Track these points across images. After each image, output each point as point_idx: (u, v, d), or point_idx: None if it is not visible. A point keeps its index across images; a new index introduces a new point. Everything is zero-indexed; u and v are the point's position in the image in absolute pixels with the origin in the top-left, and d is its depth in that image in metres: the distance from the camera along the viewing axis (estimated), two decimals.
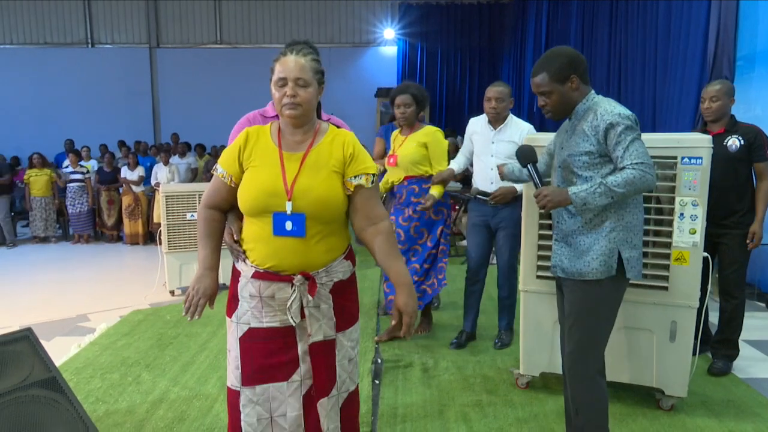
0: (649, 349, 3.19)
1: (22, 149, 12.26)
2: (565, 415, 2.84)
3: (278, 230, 2.01)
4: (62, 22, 14.37)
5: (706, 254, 3.11)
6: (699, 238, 3.04)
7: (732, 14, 5.54)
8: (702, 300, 3.20)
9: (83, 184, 9.51)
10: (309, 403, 2.13)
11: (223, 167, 2.12)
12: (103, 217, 9.57)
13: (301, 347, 2.11)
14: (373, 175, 2.12)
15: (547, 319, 3.35)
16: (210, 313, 2.19)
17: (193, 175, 10.00)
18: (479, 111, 4.25)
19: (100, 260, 8.27)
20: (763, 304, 5.34)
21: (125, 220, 9.26)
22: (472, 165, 4.27)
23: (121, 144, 11.70)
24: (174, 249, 5.92)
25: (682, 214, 3.05)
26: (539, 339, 3.42)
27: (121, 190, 9.44)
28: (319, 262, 2.07)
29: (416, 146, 4.19)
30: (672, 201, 3.07)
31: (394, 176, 4.34)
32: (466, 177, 4.34)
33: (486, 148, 4.06)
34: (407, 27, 14.07)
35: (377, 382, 3.72)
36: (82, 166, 9.68)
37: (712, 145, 3.00)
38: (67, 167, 9.68)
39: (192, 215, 5.89)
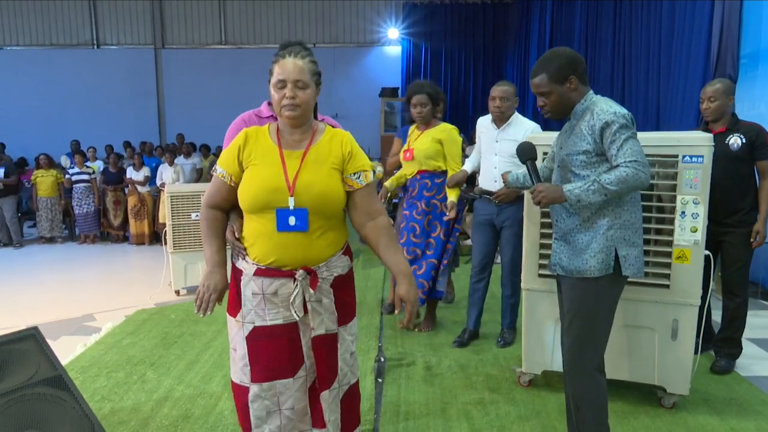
0: (651, 347, 3.20)
1: (28, 150, 12.33)
2: (566, 413, 2.85)
3: (282, 226, 2.06)
4: (68, 24, 14.44)
5: (707, 252, 3.12)
6: (700, 236, 3.05)
7: (736, 13, 5.53)
8: (704, 298, 3.20)
9: (89, 184, 9.56)
10: (314, 395, 2.21)
11: (222, 167, 2.17)
12: (110, 218, 9.61)
13: (305, 343, 2.16)
14: (371, 172, 2.19)
15: (549, 317, 3.36)
16: (215, 312, 2.23)
17: (198, 176, 10.04)
18: (483, 110, 4.28)
19: (106, 260, 8.32)
20: (766, 303, 5.34)
21: (131, 221, 9.31)
22: None
23: (127, 145, 11.75)
24: (179, 249, 5.95)
25: (683, 213, 3.06)
26: (541, 337, 3.43)
27: (126, 190, 9.48)
28: (319, 257, 2.13)
29: (431, 141, 4.30)
30: (673, 199, 3.07)
31: (407, 170, 4.46)
32: (469, 176, 4.37)
33: (490, 147, 4.08)
34: (411, 27, 14.07)
35: (380, 380, 3.74)
36: (88, 166, 9.73)
37: (712, 144, 3.01)
38: (72, 167, 9.72)
39: (197, 215, 5.92)
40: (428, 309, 4.71)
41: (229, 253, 2.23)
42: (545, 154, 3.18)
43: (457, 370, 3.87)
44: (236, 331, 2.19)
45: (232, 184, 2.16)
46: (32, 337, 2.61)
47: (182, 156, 10.17)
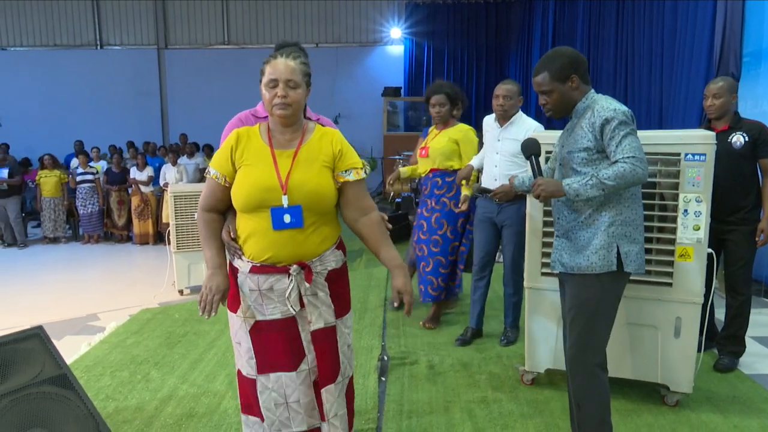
0: (654, 345, 3.20)
1: (32, 150, 12.36)
2: (569, 411, 2.86)
3: (277, 224, 2.12)
4: (71, 24, 14.47)
5: (710, 250, 3.12)
6: (703, 234, 3.05)
7: (738, 11, 5.52)
8: (707, 296, 3.20)
9: (93, 184, 9.58)
10: (317, 391, 2.26)
11: (215, 168, 2.22)
12: (114, 218, 9.63)
13: (305, 336, 2.22)
14: (361, 168, 2.25)
15: (552, 315, 3.37)
16: (219, 312, 2.27)
17: (201, 176, 10.05)
18: (486, 110, 4.31)
19: (110, 260, 8.34)
20: None
21: (134, 221, 9.33)
22: None
23: (130, 145, 11.77)
24: (182, 249, 5.97)
25: (686, 211, 3.06)
26: (544, 335, 3.44)
27: (130, 190, 9.50)
28: (313, 252, 2.18)
29: (447, 141, 4.37)
30: (676, 197, 3.08)
31: (422, 168, 4.55)
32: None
33: (492, 145, 4.08)
34: (414, 26, 14.06)
35: (383, 378, 3.75)
36: (91, 167, 9.75)
37: (715, 142, 3.01)
38: (76, 167, 9.74)
39: None
40: (435, 308, 4.74)
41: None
42: (548, 153, 3.19)
43: (460, 369, 3.87)
44: (239, 326, 2.26)
45: (226, 185, 2.20)
46: (37, 336, 2.63)
47: (185, 156, 10.19)
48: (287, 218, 2.11)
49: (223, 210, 2.28)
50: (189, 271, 6.01)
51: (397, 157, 10.85)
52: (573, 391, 2.69)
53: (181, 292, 6.05)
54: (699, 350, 3.23)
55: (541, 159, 2.92)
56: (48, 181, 9.57)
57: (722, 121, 3.71)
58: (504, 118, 4.03)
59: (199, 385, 3.72)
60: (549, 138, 3.21)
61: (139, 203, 9.25)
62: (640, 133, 2.91)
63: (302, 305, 2.19)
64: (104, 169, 10.00)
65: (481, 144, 4.38)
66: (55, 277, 7.33)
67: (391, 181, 4.68)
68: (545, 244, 3.34)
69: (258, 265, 2.17)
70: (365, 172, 2.26)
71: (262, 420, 2.28)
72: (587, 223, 2.57)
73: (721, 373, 3.72)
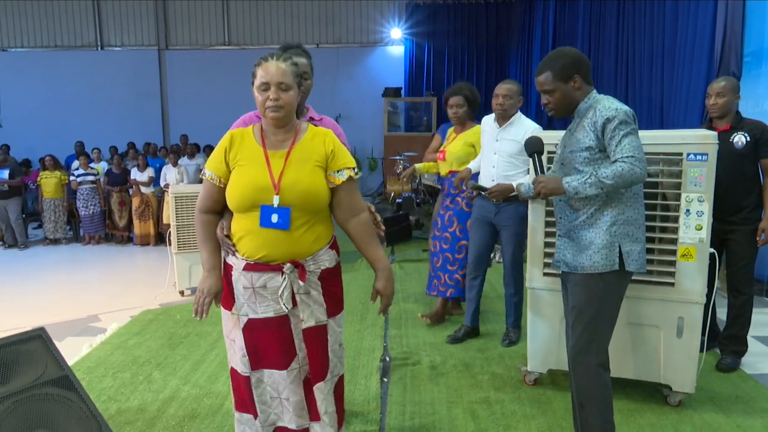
0: (656, 345, 3.20)
1: (33, 151, 12.37)
2: (572, 411, 2.85)
3: (265, 222, 2.15)
4: (72, 25, 14.47)
5: (712, 250, 3.12)
6: (705, 234, 3.05)
7: (739, 11, 5.52)
8: (709, 296, 3.20)
9: (94, 185, 9.58)
10: (309, 388, 2.29)
11: (210, 170, 2.27)
12: (114, 219, 9.63)
13: (297, 334, 2.25)
14: (354, 169, 2.28)
15: (555, 316, 3.36)
16: (219, 313, 2.30)
17: (200, 175, 10.03)
18: (487, 110, 4.31)
19: (111, 261, 8.34)
20: None
21: (135, 221, 9.32)
22: None
23: (131, 146, 11.78)
24: (183, 249, 5.97)
25: (688, 210, 3.06)
26: (546, 336, 3.43)
27: (131, 191, 9.50)
28: (306, 251, 2.21)
29: (463, 145, 4.46)
30: (678, 197, 3.08)
31: (442, 170, 4.65)
32: None
33: (490, 145, 4.08)
34: (414, 26, 14.06)
35: (385, 379, 3.75)
36: (92, 168, 9.75)
37: (717, 142, 3.01)
38: (77, 169, 9.74)
39: None
40: (440, 304, 4.78)
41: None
42: (551, 153, 3.19)
43: (463, 369, 3.87)
44: (233, 324, 2.30)
45: (221, 186, 2.25)
46: (39, 338, 2.62)
47: (186, 157, 10.20)
48: (275, 218, 2.14)
49: (219, 211, 2.32)
50: (190, 272, 6.01)
51: (397, 157, 10.84)
52: (575, 390, 2.69)
53: (182, 292, 6.05)
54: (701, 350, 3.22)
55: (544, 158, 2.92)
56: (49, 182, 9.57)
57: (724, 121, 3.70)
58: (503, 118, 4.03)
59: (202, 386, 3.72)
60: (552, 138, 3.21)
61: (139, 204, 9.24)
62: (643, 133, 2.91)
63: (295, 303, 2.22)
64: (105, 170, 10.01)
65: None
66: (55, 278, 7.34)
67: (406, 178, 4.83)
68: (547, 245, 3.33)
69: (252, 262, 2.20)
70: (356, 173, 2.30)
71: (255, 416, 2.31)
72: (589, 222, 2.58)
73: (724, 372, 3.72)
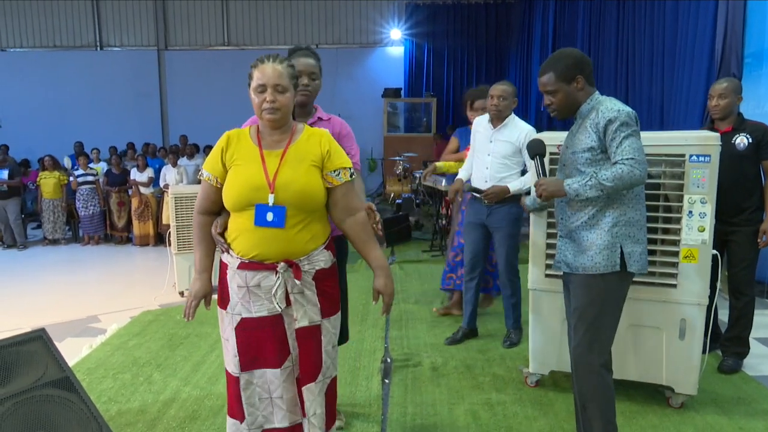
0: (659, 347, 3.19)
1: (32, 151, 12.34)
2: (575, 413, 2.85)
3: (260, 221, 2.17)
4: (71, 26, 14.46)
5: (715, 252, 3.11)
6: (708, 235, 3.04)
7: (740, 12, 5.50)
8: (711, 298, 3.20)
9: (94, 186, 9.56)
10: (298, 388, 2.30)
11: (208, 170, 2.29)
12: (113, 219, 9.61)
13: (290, 334, 2.26)
14: (350, 169, 2.29)
15: (556, 317, 3.35)
16: (220, 314, 2.30)
17: (197, 176, 10.02)
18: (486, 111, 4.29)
19: (110, 262, 8.32)
20: None
21: (135, 222, 9.30)
22: None
23: (130, 146, 11.77)
24: (183, 250, 5.95)
25: (690, 212, 3.05)
26: (548, 337, 3.42)
27: (130, 191, 9.48)
28: (301, 251, 2.22)
29: None
30: (680, 199, 3.07)
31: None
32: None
33: (484, 146, 4.08)
34: (414, 27, 14.07)
35: (387, 381, 3.74)
36: (91, 168, 9.73)
37: (720, 143, 3.00)
38: (75, 168, 9.73)
39: None
40: (458, 299, 4.90)
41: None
42: (552, 154, 3.19)
43: (464, 371, 3.86)
44: (227, 323, 2.31)
45: (218, 186, 2.28)
46: (39, 339, 2.61)
47: (185, 157, 10.18)
48: (270, 216, 2.15)
49: (217, 212, 2.36)
50: (189, 273, 5.99)
51: (397, 158, 10.84)
52: (578, 391, 2.69)
53: (181, 293, 6.03)
54: (703, 352, 3.22)
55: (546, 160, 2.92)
56: (48, 182, 9.55)
57: (726, 123, 3.70)
58: (498, 119, 4.03)
59: (202, 387, 3.71)
60: (554, 139, 3.20)
61: (139, 205, 9.22)
62: (645, 134, 2.90)
63: (288, 303, 2.23)
64: (104, 171, 9.99)
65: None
66: (55, 278, 7.32)
67: (426, 175, 4.98)
68: (549, 246, 3.32)
69: (246, 261, 2.22)
70: (352, 174, 2.31)
71: (241, 421, 2.30)
72: (591, 223, 2.58)
73: (726, 374, 3.71)
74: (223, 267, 2.30)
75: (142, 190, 9.27)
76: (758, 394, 3.46)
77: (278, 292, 2.19)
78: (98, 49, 14.58)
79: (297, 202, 2.17)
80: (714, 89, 3.70)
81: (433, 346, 4.30)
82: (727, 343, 3.84)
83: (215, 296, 2.35)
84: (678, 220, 3.09)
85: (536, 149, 2.80)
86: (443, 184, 6.26)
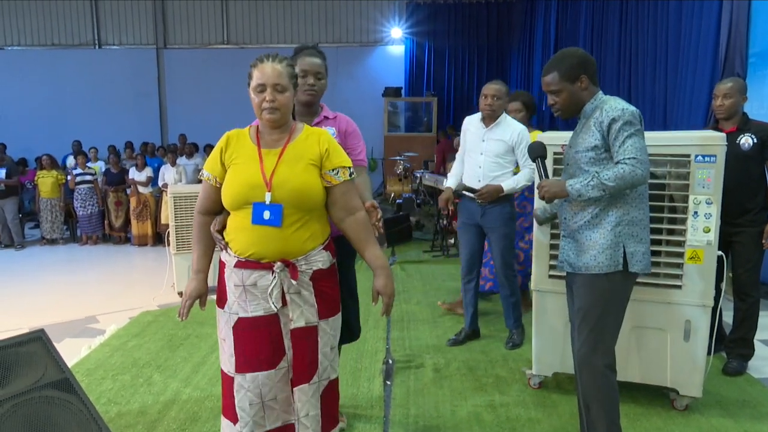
0: (663, 349, 3.17)
1: (30, 150, 12.29)
2: (578, 415, 2.82)
3: (257, 219, 2.17)
4: (70, 24, 14.41)
5: (720, 253, 3.08)
6: (713, 236, 3.02)
7: (744, 12, 5.48)
8: (716, 299, 3.17)
9: (92, 185, 9.52)
10: (291, 388, 2.28)
11: (208, 170, 2.31)
12: (111, 219, 9.57)
13: (286, 334, 2.25)
14: (350, 168, 2.29)
15: (560, 318, 3.33)
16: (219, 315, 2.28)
17: (198, 176, 9.98)
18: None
19: (109, 262, 8.28)
20: None
21: (133, 222, 9.26)
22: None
23: (128, 145, 11.73)
24: (182, 250, 5.92)
25: (696, 213, 3.03)
26: (552, 339, 3.40)
27: (128, 191, 9.44)
28: (298, 250, 2.21)
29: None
30: (686, 199, 3.05)
31: None
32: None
33: (477, 145, 4.07)
34: (414, 26, 14.04)
35: (389, 382, 3.71)
36: (90, 167, 9.69)
37: (725, 143, 2.98)
38: (75, 168, 9.68)
39: None
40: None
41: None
42: (555, 154, 3.17)
43: (466, 372, 3.83)
44: (224, 322, 2.30)
45: (217, 185, 2.29)
46: (39, 340, 2.58)
47: (184, 156, 10.15)
48: (266, 215, 2.15)
49: (217, 212, 2.37)
50: (188, 273, 5.89)
51: (397, 157, 10.81)
52: (582, 392, 2.67)
53: (180, 294, 5.99)
54: (708, 353, 3.19)
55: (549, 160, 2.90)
56: (45, 181, 9.50)
57: (730, 122, 3.67)
58: (491, 118, 4.03)
59: (203, 388, 3.68)
60: (556, 139, 3.19)
61: (137, 204, 9.18)
62: (651, 134, 2.88)
63: (285, 303, 2.22)
64: (103, 170, 9.95)
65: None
66: (53, 278, 7.28)
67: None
68: (552, 247, 3.30)
69: (243, 260, 2.21)
70: (351, 173, 2.30)
71: (234, 422, 2.29)
72: (594, 222, 2.57)
73: (730, 376, 3.68)
74: (222, 266, 2.30)
75: (141, 189, 9.23)
76: (763, 396, 3.44)
77: (274, 292, 2.18)
78: (97, 47, 14.54)
79: (294, 201, 2.16)
80: (719, 89, 3.68)
81: (435, 348, 4.28)
82: (731, 345, 3.82)
83: (211, 297, 2.34)
84: (683, 221, 3.07)
85: (537, 152, 2.80)
86: (444, 184, 6.23)
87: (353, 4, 14.22)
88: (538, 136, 3.32)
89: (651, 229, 2.71)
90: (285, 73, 2.19)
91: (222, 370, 2.35)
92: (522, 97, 4.60)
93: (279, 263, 2.18)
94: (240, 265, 2.22)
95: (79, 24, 14.44)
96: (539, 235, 3.35)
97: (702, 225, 3.04)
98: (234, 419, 2.28)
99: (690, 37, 6.44)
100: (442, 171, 9.95)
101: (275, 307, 2.19)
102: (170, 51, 14.59)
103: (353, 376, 3.77)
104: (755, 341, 3.82)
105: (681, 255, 3.08)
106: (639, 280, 2.83)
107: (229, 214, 2.29)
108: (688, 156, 3.01)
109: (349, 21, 14.30)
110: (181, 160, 9.81)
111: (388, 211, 9.88)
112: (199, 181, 2.37)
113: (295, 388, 2.25)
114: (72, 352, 4.31)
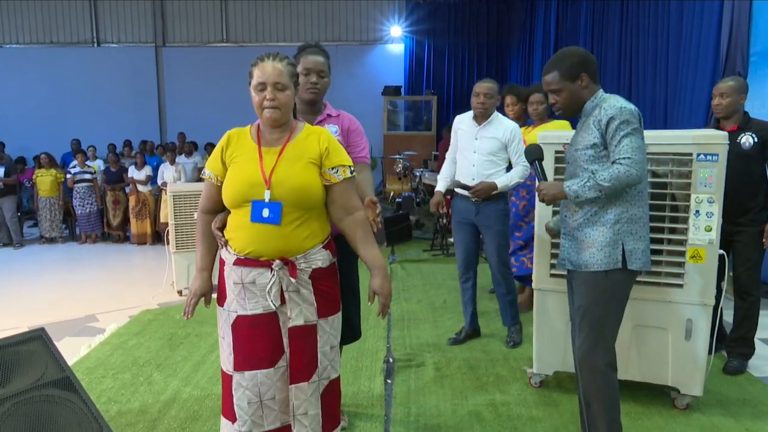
0: (665, 348, 3.17)
1: (29, 149, 12.26)
2: (579, 413, 2.82)
3: (256, 217, 2.18)
4: (68, 22, 14.37)
5: (722, 252, 3.08)
6: (715, 235, 3.02)
7: (745, 11, 5.47)
8: (717, 298, 3.17)
9: (91, 184, 9.50)
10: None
11: (209, 169, 2.32)
12: (109, 217, 9.55)
13: (285, 333, 2.24)
14: (350, 167, 2.29)
15: (561, 317, 3.33)
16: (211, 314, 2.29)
17: (200, 175, 9.96)
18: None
19: (108, 260, 8.27)
20: None
21: (132, 220, 9.23)
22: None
23: (126, 143, 11.70)
24: (181, 249, 5.91)
25: (697, 212, 3.03)
26: (552, 337, 3.40)
27: (127, 189, 9.42)
28: (297, 248, 2.21)
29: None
30: (687, 198, 3.05)
31: None
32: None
33: (469, 144, 4.07)
34: (414, 24, 14.00)
35: (389, 381, 3.71)
36: (88, 165, 9.67)
37: (727, 142, 2.98)
38: (74, 167, 9.66)
39: None
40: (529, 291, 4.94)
41: None
42: (557, 152, 3.17)
43: (467, 371, 3.83)
44: (223, 320, 2.31)
45: (219, 184, 2.30)
46: (39, 339, 2.58)
47: (183, 155, 10.13)
48: (266, 212, 2.16)
49: (219, 210, 2.37)
50: (188, 272, 5.95)
51: (397, 156, 10.79)
52: (583, 390, 2.68)
53: (180, 292, 5.99)
54: (709, 352, 3.19)
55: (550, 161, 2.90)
56: (44, 180, 9.48)
57: (731, 121, 3.67)
58: (483, 117, 4.03)
59: (203, 387, 3.67)
60: (557, 138, 3.18)
61: (136, 203, 9.16)
62: (653, 133, 2.88)
63: (283, 301, 2.22)
64: (101, 168, 9.93)
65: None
66: (52, 277, 7.26)
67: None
68: (553, 246, 3.30)
69: (242, 257, 2.22)
70: (351, 172, 2.30)
71: (233, 422, 2.28)
72: (593, 220, 2.58)
73: (731, 375, 3.69)
74: (222, 264, 2.31)
75: (140, 188, 9.20)
76: (764, 395, 3.44)
77: (272, 290, 2.18)
78: (95, 45, 14.50)
79: (293, 199, 2.16)
80: (717, 88, 3.68)
81: (436, 347, 4.27)
82: (732, 344, 3.82)
83: (215, 295, 2.34)
84: (685, 220, 3.07)
85: (534, 154, 2.82)
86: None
87: (353, 3, 14.19)
88: (539, 135, 3.32)
89: (652, 227, 2.72)
90: (286, 71, 2.20)
91: (222, 370, 2.34)
92: (516, 90, 4.73)
93: (278, 261, 2.18)
94: (239, 262, 2.22)
95: (77, 22, 14.40)
96: (541, 233, 3.34)
97: (704, 224, 3.04)
98: (233, 418, 2.28)
99: (691, 36, 6.43)
100: None
101: (274, 305, 2.20)
102: (169, 49, 14.55)
103: (354, 375, 3.77)
104: (756, 340, 3.82)
105: (682, 254, 3.09)
106: (640, 278, 2.83)
107: (230, 212, 2.29)
108: (690, 155, 3.01)
109: (349, 19, 14.27)
110: (181, 159, 9.78)
111: (387, 210, 9.87)
112: (199, 180, 2.37)
113: (292, 386, 2.24)
114: (72, 350, 4.30)
